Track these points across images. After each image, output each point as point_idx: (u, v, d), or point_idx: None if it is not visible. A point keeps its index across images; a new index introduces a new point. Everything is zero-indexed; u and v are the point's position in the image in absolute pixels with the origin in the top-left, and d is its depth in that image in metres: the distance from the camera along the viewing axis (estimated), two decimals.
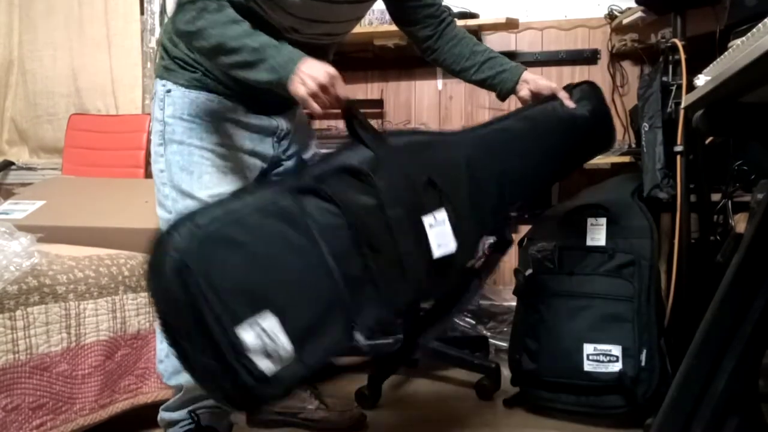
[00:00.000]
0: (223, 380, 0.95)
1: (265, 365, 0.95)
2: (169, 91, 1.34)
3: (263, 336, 0.95)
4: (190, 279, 0.93)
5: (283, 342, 0.97)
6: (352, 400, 1.84)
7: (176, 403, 1.40)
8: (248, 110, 1.37)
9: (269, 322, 0.96)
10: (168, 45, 1.37)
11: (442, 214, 1.17)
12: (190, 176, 1.31)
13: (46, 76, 3.02)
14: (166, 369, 1.39)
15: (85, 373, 1.49)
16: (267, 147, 1.41)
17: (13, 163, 3.02)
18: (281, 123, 1.42)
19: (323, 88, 1.14)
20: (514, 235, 2.79)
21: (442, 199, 1.19)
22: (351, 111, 1.19)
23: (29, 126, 3.07)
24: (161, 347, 1.41)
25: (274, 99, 1.26)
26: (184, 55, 1.34)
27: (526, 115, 1.46)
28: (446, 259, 1.17)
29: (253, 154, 1.39)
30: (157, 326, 1.41)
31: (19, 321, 1.32)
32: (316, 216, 1.08)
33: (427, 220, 1.15)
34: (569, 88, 1.51)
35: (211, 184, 1.31)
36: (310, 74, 1.14)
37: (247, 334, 0.94)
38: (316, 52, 1.25)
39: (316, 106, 1.15)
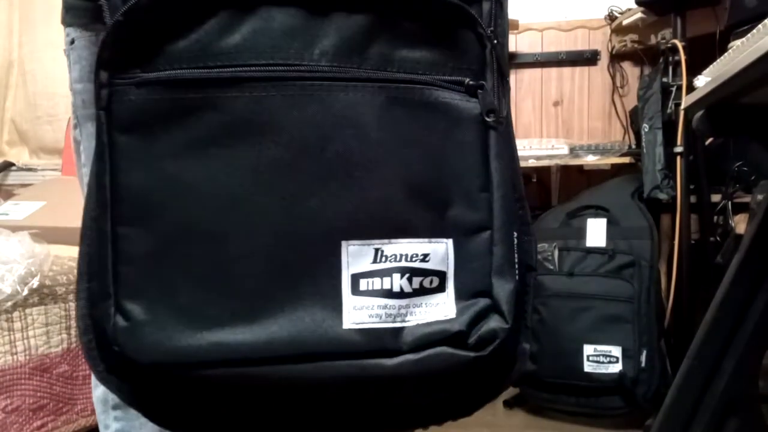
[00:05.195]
0: None
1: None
2: (72, 42, 0.90)
3: None
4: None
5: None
6: None
7: None
8: None
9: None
10: None
11: None
12: None
13: (46, 76, 3.02)
14: None
15: (86, 374, 1.48)
16: None
17: (13, 164, 3.02)
18: None
19: None
20: None
21: None
22: None
23: (29, 127, 3.07)
24: None
25: None
26: None
27: None
28: None
29: None
30: None
31: (16, 322, 1.32)
32: None
33: None
34: None
35: None
36: None
37: None
38: None
39: None
